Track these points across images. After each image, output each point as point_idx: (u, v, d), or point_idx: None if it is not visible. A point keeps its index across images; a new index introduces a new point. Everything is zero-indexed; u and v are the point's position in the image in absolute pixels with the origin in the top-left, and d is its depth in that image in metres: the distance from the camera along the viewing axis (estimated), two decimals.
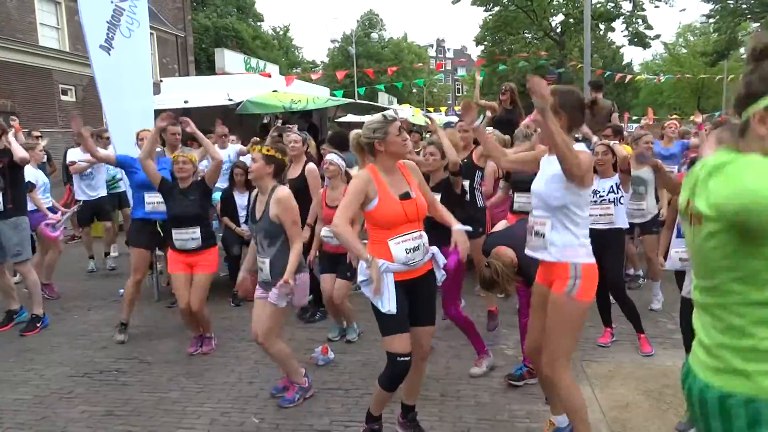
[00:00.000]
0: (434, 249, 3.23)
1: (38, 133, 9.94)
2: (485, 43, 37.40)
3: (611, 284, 4.53)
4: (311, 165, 5.39)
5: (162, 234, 5.22)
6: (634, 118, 27.59)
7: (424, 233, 3.14)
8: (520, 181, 4.66)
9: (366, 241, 3.16)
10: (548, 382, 3.12)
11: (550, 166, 2.92)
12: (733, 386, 1.41)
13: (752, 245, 1.33)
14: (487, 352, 4.33)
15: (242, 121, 10.72)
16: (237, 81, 10.78)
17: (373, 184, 3.03)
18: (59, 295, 6.56)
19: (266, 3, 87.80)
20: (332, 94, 13.87)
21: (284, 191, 3.71)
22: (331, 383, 4.19)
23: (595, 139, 5.05)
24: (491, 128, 5.91)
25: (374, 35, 52.33)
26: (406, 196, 3.09)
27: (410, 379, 3.26)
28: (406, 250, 3.02)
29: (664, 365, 4.33)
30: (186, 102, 8.53)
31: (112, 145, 6.40)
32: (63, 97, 18.68)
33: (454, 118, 21.00)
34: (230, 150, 7.71)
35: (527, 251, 3.07)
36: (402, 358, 3.04)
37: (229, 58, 24.86)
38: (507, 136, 5.71)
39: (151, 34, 18.34)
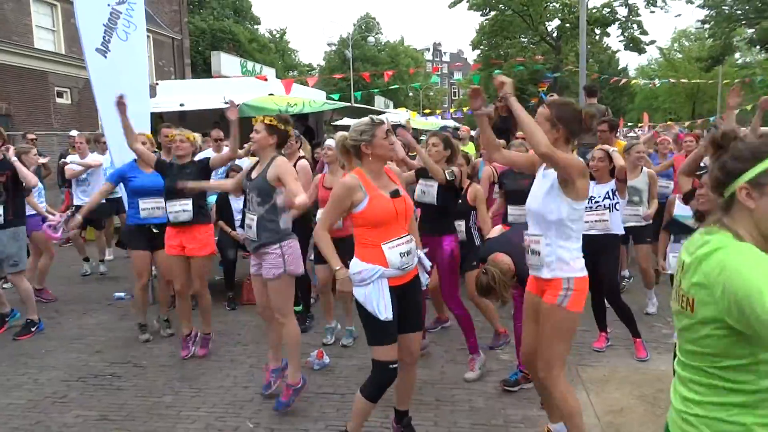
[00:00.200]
0: (420, 253, 3.20)
1: (33, 136, 9.93)
2: (481, 47, 37.58)
3: (606, 289, 4.54)
4: (303, 161, 5.41)
5: (157, 233, 5.20)
6: (629, 124, 27.68)
7: (412, 237, 3.13)
8: (513, 191, 4.65)
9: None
10: (544, 387, 3.13)
11: (544, 181, 2.93)
12: None
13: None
14: (479, 352, 4.33)
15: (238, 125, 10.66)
16: (233, 84, 10.71)
17: (359, 187, 2.98)
18: (56, 298, 6.55)
19: (263, 6, 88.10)
20: (328, 98, 13.86)
21: (284, 158, 3.75)
22: (326, 387, 4.19)
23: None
24: None
25: (371, 39, 52.35)
26: (396, 194, 3.07)
27: (403, 384, 3.26)
28: (400, 254, 3.00)
29: (659, 370, 4.35)
30: (182, 105, 8.47)
31: (108, 151, 6.38)
32: (59, 100, 18.60)
33: (451, 122, 21.07)
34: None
35: (531, 272, 3.06)
36: (393, 366, 3.03)
37: (225, 61, 24.80)
38: (503, 141, 5.73)
39: (148, 36, 18.27)
